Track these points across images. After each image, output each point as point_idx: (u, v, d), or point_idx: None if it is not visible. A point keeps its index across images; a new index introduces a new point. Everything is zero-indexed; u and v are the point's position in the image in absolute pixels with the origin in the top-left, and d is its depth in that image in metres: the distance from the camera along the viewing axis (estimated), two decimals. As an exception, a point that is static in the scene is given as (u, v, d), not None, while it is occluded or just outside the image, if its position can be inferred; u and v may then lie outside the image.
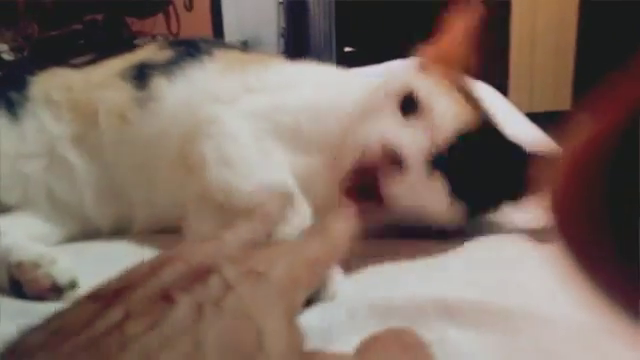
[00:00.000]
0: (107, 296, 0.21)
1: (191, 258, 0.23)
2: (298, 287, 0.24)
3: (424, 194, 0.50)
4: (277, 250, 0.24)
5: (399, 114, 0.51)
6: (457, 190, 0.51)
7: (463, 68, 0.56)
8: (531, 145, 0.55)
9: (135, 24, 2.01)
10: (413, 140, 0.49)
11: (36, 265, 0.52)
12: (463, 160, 0.50)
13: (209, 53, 0.67)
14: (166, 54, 0.67)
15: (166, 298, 0.20)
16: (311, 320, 0.43)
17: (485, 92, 1.28)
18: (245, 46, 2.32)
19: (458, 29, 0.56)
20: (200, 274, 0.21)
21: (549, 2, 2.64)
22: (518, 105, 1.26)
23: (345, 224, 0.28)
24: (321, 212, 0.54)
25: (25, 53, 1.66)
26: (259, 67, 0.65)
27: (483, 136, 0.52)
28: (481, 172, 0.51)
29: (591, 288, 0.17)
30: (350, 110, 0.56)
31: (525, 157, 0.54)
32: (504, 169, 0.53)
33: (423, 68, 0.57)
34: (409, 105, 0.51)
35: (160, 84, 0.65)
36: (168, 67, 0.65)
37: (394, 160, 0.48)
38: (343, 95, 0.60)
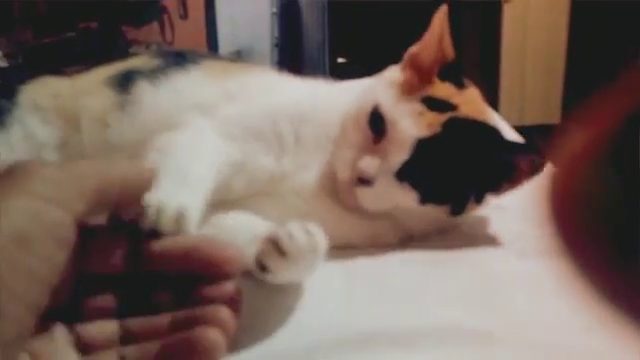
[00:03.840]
0: None
1: None
2: None
3: (394, 203, 0.55)
4: None
5: (369, 132, 0.54)
6: (429, 194, 0.54)
7: (435, 71, 0.56)
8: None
9: (130, 32, 2.01)
10: (379, 160, 0.53)
11: None
12: (426, 167, 0.53)
13: (196, 62, 0.67)
14: (154, 62, 0.67)
15: None
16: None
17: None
18: (239, 56, 2.33)
19: (431, 35, 0.57)
20: None
21: (539, 16, 2.68)
22: (508, 118, 1.27)
23: None
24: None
25: (19, 60, 1.66)
26: (241, 74, 0.66)
27: (446, 139, 0.53)
28: (448, 174, 0.53)
29: (593, 295, 0.17)
30: (328, 113, 0.59)
31: (499, 146, 0.56)
32: (474, 165, 0.54)
33: (401, 74, 0.58)
34: (377, 121, 0.54)
35: (142, 88, 0.64)
36: (153, 73, 0.65)
37: (364, 182, 0.53)
38: (321, 98, 0.61)
